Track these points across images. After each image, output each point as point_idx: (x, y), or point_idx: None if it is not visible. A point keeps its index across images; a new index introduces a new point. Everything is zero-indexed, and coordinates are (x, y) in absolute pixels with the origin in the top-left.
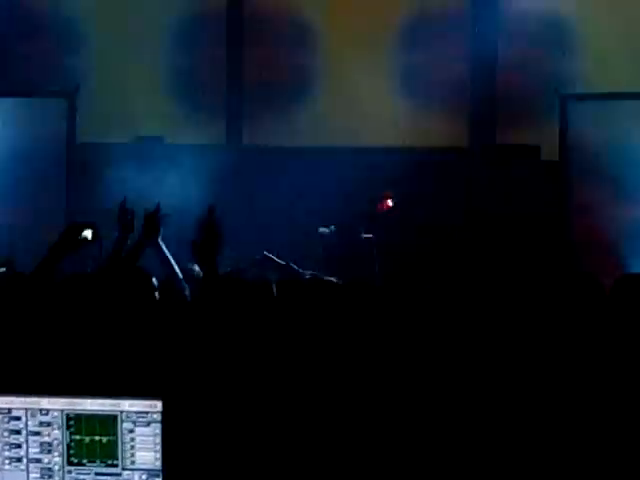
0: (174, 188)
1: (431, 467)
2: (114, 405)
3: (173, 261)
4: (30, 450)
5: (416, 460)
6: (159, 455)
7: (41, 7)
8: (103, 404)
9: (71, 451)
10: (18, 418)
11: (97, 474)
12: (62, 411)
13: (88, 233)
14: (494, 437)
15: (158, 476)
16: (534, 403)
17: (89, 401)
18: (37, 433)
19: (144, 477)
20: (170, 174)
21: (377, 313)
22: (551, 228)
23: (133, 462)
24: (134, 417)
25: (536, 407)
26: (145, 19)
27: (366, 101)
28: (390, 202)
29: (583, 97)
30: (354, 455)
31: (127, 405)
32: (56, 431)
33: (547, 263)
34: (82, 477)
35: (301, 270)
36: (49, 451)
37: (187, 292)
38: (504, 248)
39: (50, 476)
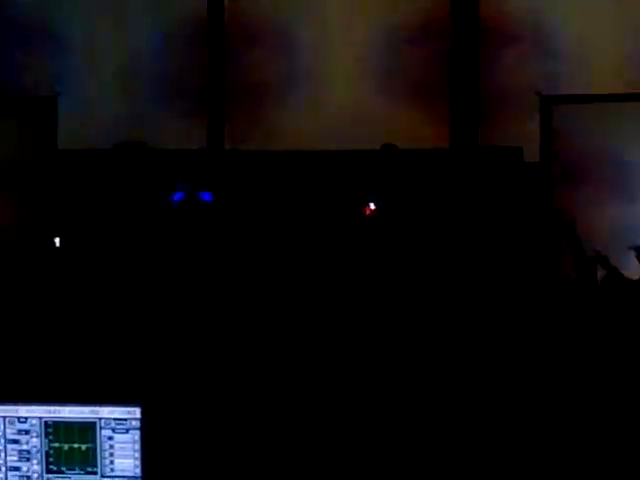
0: None
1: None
2: (93, 412)
3: None
4: (9, 458)
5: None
6: (138, 462)
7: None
8: (82, 411)
9: (50, 459)
10: None
11: None
12: (40, 419)
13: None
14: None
15: None
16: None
17: (67, 408)
18: (16, 441)
19: None
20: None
21: None
22: (534, 229)
23: (112, 469)
24: (113, 424)
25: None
26: (126, 24)
27: (348, 104)
28: (373, 205)
29: (564, 99)
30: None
31: (106, 412)
32: (35, 439)
33: (529, 264)
34: None
35: None
36: (28, 459)
37: None
38: (487, 250)
39: None
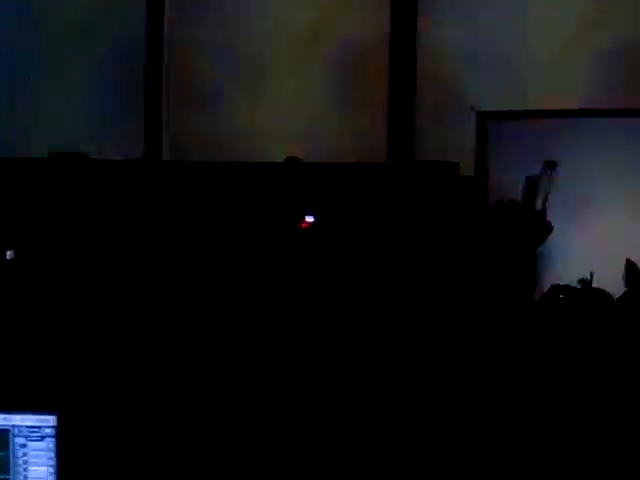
0: None
1: None
2: (6, 420)
3: None
4: None
5: None
6: (52, 470)
7: None
8: None
9: None
10: None
11: None
12: None
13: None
14: None
15: None
16: None
17: None
18: None
19: None
20: None
21: None
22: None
23: (26, 477)
24: (26, 432)
25: None
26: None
27: (288, 118)
28: (310, 219)
29: (500, 115)
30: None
31: (19, 420)
32: None
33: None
34: None
35: None
36: None
37: None
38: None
39: None
